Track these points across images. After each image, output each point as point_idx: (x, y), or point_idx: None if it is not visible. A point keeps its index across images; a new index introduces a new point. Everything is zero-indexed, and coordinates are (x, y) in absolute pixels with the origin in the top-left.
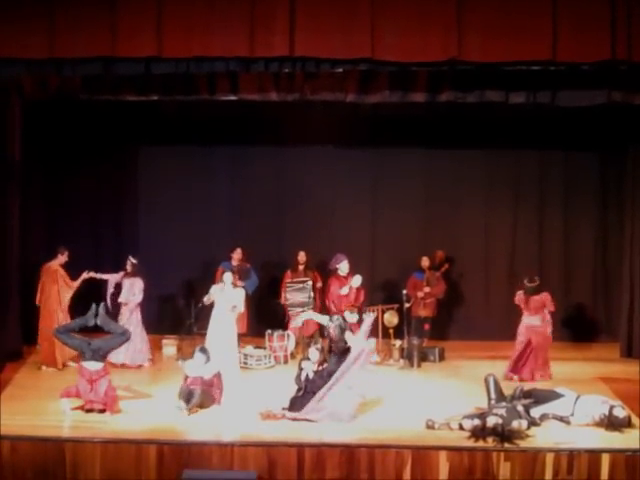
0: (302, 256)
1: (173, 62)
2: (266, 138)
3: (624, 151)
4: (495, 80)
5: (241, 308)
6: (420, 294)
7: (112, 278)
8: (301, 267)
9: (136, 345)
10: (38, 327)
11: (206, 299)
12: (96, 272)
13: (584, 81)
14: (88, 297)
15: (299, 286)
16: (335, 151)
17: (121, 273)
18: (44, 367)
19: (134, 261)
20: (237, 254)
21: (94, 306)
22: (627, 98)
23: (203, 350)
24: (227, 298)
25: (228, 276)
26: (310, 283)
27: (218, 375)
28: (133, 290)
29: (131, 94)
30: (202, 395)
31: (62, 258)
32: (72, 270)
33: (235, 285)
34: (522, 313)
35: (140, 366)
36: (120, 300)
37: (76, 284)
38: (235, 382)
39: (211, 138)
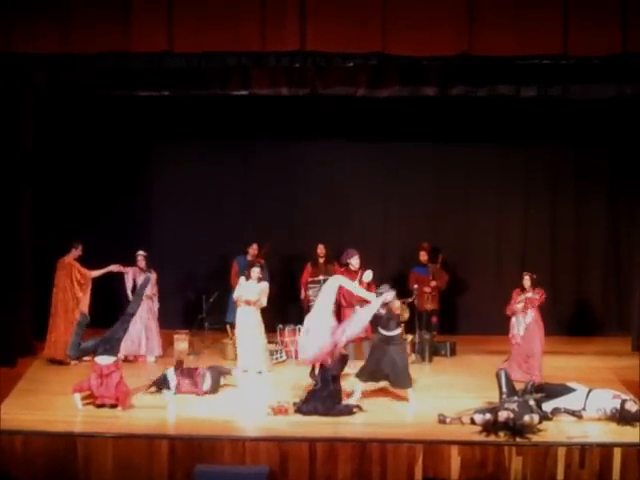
0: (321, 249)
1: (185, 57)
2: (278, 132)
3: (634, 144)
4: (506, 74)
5: (264, 302)
6: (427, 289)
7: (131, 271)
8: (321, 260)
9: (153, 337)
10: (49, 322)
11: (236, 296)
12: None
13: (595, 75)
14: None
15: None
16: (347, 146)
17: (134, 268)
18: (61, 361)
19: (145, 254)
20: (253, 249)
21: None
22: (638, 91)
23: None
24: (252, 291)
25: (255, 271)
26: None
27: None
28: (152, 284)
29: (143, 89)
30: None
31: (76, 252)
32: (84, 264)
33: (260, 279)
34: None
35: (155, 357)
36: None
37: (95, 273)
38: (263, 375)
39: (224, 132)
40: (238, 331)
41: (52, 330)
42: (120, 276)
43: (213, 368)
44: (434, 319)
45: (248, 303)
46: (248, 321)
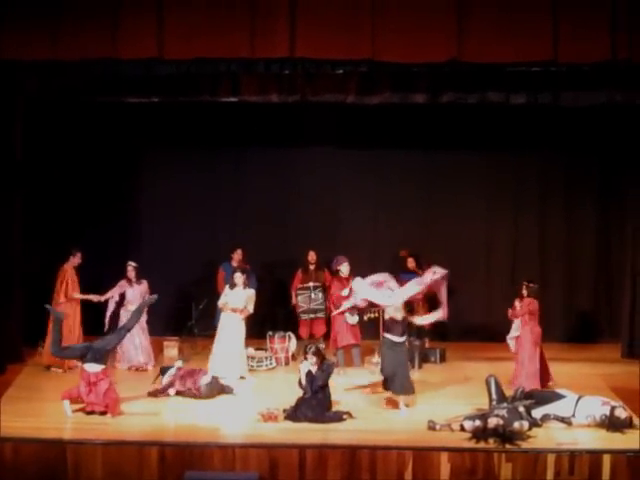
0: (312, 256)
1: (174, 64)
2: (269, 139)
3: (624, 152)
4: (496, 81)
5: (251, 309)
6: (418, 296)
7: (113, 296)
8: (312, 267)
9: (147, 346)
10: (48, 327)
11: (221, 303)
12: (100, 275)
13: (585, 82)
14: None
15: (311, 293)
16: (337, 153)
17: (123, 282)
18: (53, 368)
19: (135, 265)
20: (237, 255)
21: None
22: (628, 98)
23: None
24: (238, 299)
25: (239, 277)
26: (321, 289)
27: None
28: (142, 294)
29: (133, 96)
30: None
31: (75, 260)
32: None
33: (245, 286)
34: (532, 320)
35: (145, 369)
36: (130, 308)
37: (77, 296)
38: (243, 382)
39: (214, 140)
40: (219, 337)
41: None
42: (107, 289)
43: (217, 378)
44: (427, 325)
45: (234, 311)
46: (231, 328)
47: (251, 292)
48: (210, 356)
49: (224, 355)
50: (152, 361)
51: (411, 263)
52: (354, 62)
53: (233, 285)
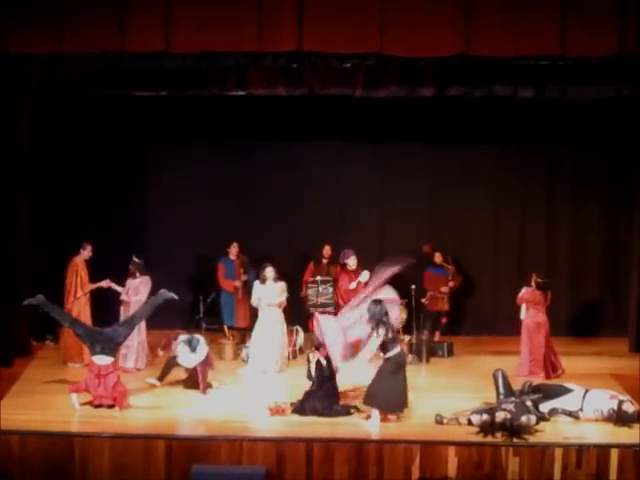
0: (327, 250)
1: (181, 57)
2: (275, 134)
3: (632, 145)
4: (504, 75)
5: (284, 301)
6: (445, 289)
7: (124, 290)
8: (325, 261)
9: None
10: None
11: (255, 301)
12: (105, 269)
13: (593, 75)
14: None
15: (321, 287)
16: (344, 146)
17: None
18: (70, 364)
19: (137, 261)
20: (234, 248)
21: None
22: (635, 92)
23: (188, 341)
24: (272, 293)
25: (270, 271)
26: (331, 284)
27: (201, 365)
28: (139, 290)
29: (140, 89)
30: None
31: (85, 253)
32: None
33: (278, 279)
34: (532, 309)
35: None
36: (122, 298)
37: (90, 287)
38: (269, 375)
39: (221, 133)
40: (258, 333)
41: (67, 332)
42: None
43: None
44: (444, 319)
45: (272, 306)
46: (272, 323)
47: (282, 284)
48: (250, 353)
49: (265, 350)
50: (144, 362)
51: (438, 257)
52: (362, 55)
53: (264, 280)
